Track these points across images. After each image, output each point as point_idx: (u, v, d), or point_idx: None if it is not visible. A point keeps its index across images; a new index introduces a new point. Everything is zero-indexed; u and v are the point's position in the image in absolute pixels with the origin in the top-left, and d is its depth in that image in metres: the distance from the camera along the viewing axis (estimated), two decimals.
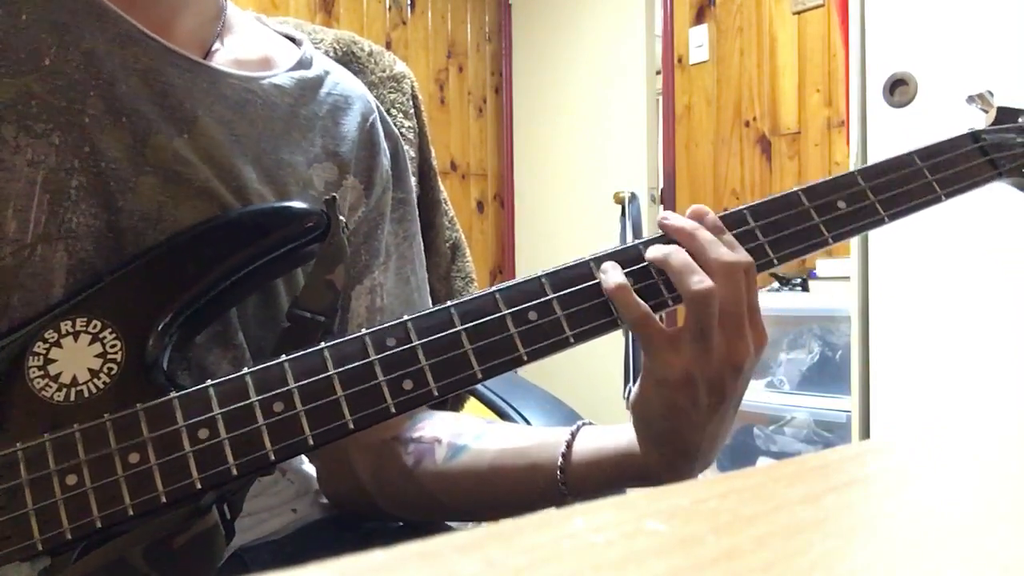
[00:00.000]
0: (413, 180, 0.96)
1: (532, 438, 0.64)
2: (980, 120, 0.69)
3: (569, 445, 0.61)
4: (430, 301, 0.78)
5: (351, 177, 0.69)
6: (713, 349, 0.53)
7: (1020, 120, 0.68)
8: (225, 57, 0.66)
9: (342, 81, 0.73)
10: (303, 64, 0.70)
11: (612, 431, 0.62)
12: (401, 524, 0.75)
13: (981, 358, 1.59)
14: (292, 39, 0.74)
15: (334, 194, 0.61)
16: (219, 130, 0.61)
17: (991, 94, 0.69)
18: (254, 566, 0.63)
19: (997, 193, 0.70)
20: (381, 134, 0.74)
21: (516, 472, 0.63)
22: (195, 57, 0.63)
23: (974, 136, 0.66)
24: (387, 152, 0.74)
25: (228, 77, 0.64)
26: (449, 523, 0.70)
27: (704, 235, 0.55)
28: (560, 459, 0.61)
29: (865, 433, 1.75)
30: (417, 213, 0.79)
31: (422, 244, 0.79)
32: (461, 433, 0.66)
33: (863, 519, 0.25)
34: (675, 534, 0.22)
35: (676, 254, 0.55)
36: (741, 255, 0.55)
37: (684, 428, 0.55)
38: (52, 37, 0.57)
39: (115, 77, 0.58)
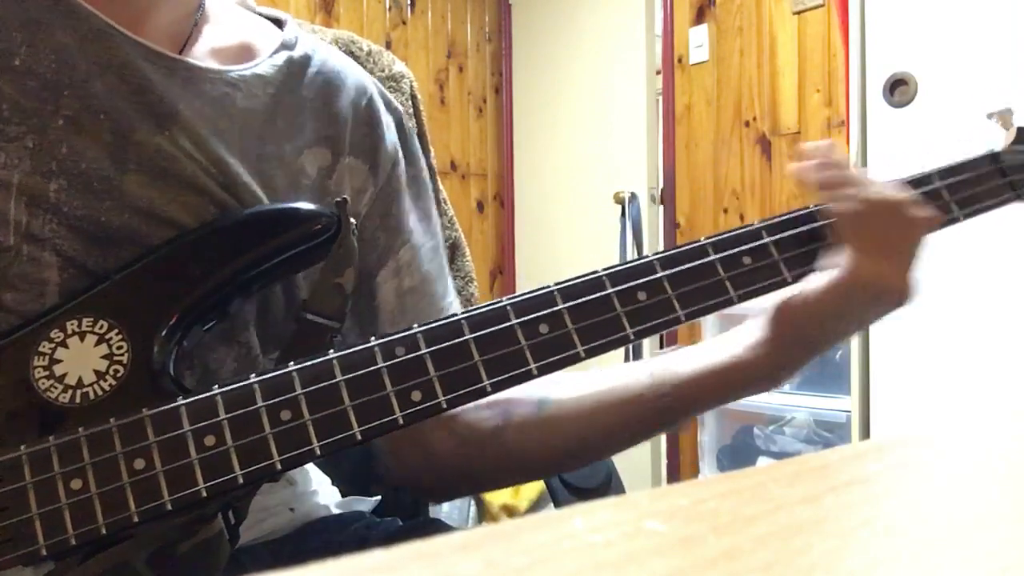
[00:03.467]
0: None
1: (618, 374, 0.64)
2: (999, 137, 0.69)
3: (665, 371, 0.62)
4: (450, 278, 0.75)
5: (348, 157, 0.67)
6: (900, 268, 0.58)
7: None
8: (202, 49, 0.64)
9: (330, 58, 0.70)
10: (287, 45, 0.67)
11: (704, 349, 0.62)
12: (401, 524, 0.75)
13: (981, 358, 1.59)
14: (277, 20, 0.71)
15: (345, 196, 0.60)
16: (201, 125, 0.60)
17: (1011, 112, 0.69)
18: (253, 566, 0.63)
19: None
20: (381, 108, 0.71)
21: (614, 407, 0.63)
22: (170, 53, 0.61)
23: (993, 157, 0.66)
24: (390, 126, 0.72)
25: (206, 72, 0.62)
26: (531, 480, 0.69)
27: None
28: (661, 385, 0.61)
29: (865, 433, 1.75)
30: (431, 190, 0.76)
31: (437, 218, 0.76)
32: (536, 387, 0.63)
33: (863, 519, 0.25)
34: (675, 534, 0.22)
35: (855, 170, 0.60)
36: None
37: (835, 336, 0.60)
38: (23, 36, 0.56)
39: (89, 75, 0.57)
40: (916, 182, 0.62)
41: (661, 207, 2.80)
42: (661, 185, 2.81)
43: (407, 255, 0.70)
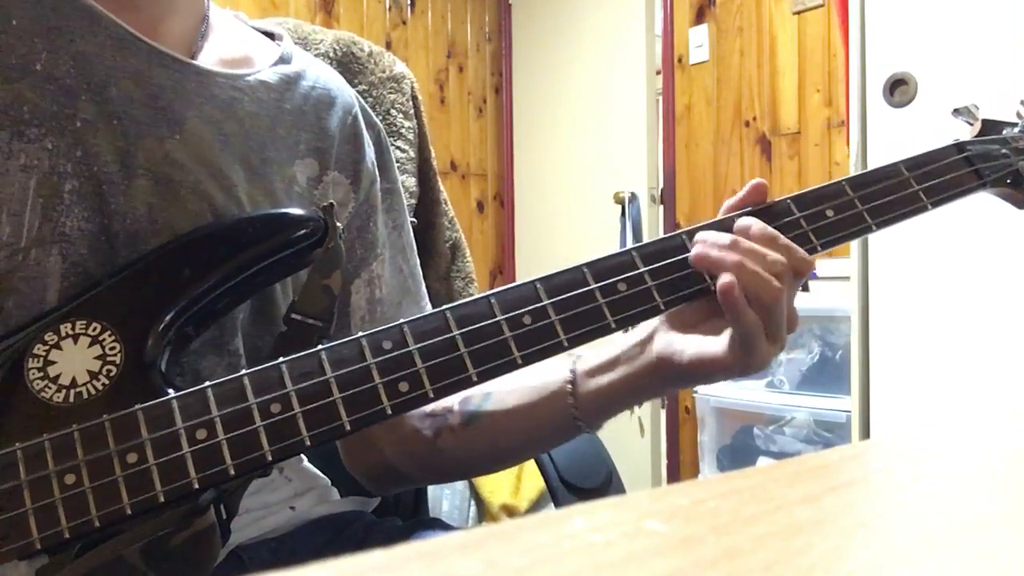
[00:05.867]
0: (411, 176, 0.97)
1: (537, 388, 0.67)
2: (966, 132, 0.70)
3: (573, 383, 0.64)
4: (424, 287, 0.79)
5: (333, 172, 0.70)
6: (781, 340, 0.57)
7: (1004, 132, 0.70)
8: (210, 57, 0.66)
9: (322, 74, 0.73)
10: (284, 59, 0.71)
11: (606, 363, 0.64)
12: (401, 524, 0.75)
13: (981, 358, 1.59)
14: (271, 35, 0.75)
15: (332, 201, 0.62)
16: (208, 130, 0.61)
17: (976, 107, 0.71)
18: (252, 564, 0.63)
19: (995, 197, 0.70)
20: (363, 125, 0.75)
21: (531, 419, 0.66)
22: (184, 58, 0.63)
23: (959, 147, 0.67)
24: (371, 143, 0.75)
25: (216, 76, 0.64)
26: (468, 478, 0.76)
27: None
28: (570, 399, 0.63)
29: (865, 433, 1.75)
30: (404, 201, 0.80)
31: (411, 231, 0.80)
32: (469, 397, 0.68)
33: (863, 519, 0.25)
34: (675, 534, 0.22)
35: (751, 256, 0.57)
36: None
37: (685, 384, 0.63)
38: (43, 42, 0.57)
39: (106, 80, 0.58)
40: (884, 174, 0.63)
41: (661, 207, 2.80)
42: (661, 185, 2.81)
43: (379, 268, 0.73)
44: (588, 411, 0.63)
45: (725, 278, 0.55)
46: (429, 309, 0.76)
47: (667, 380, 0.61)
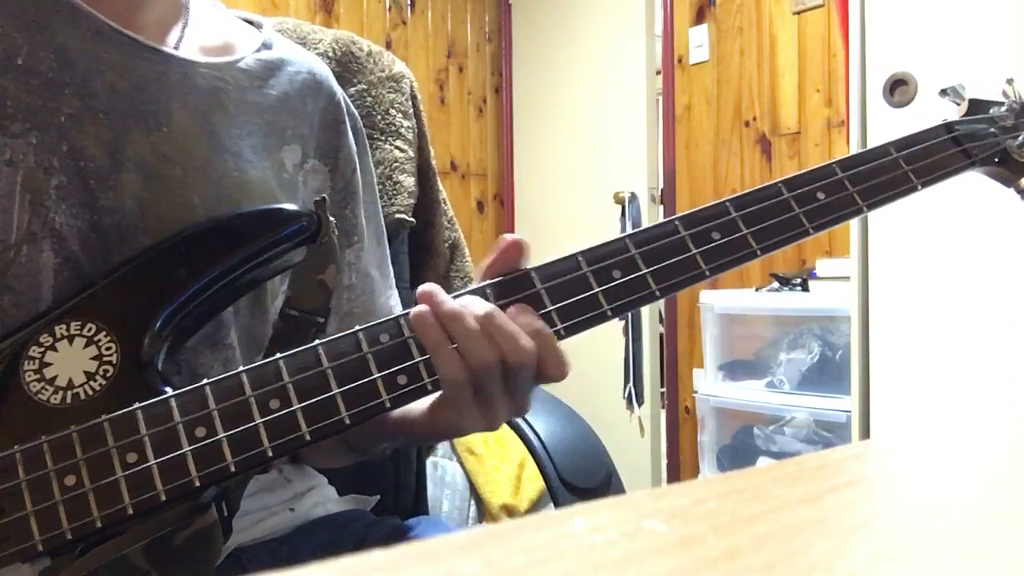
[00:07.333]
0: (411, 176, 0.96)
1: None
2: (954, 112, 0.71)
3: None
4: (392, 274, 0.79)
5: (312, 160, 0.70)
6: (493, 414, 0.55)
7: (991, 111, 0.69)
8: (191, 45, 0.66)
9: (305, 61, 0.73)
10: (266, 45, 0.71)
11: None
12: (400, 523, 0.75)
13: (981, 358, 1.59)
14: (251, 22, 0.75)
15: (324, 195, 0.62)
16: (194, 122, 0.61)
17: (963, 87, 0.71)
18: (251, 566, 0.63)
19: (996, 193, 0.70)
20: (345, 113, 0.75)
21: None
22: (166, 49, 0.63)
23: (947, 127, 0.67)
24: (349, 132, 0.75)
25: (199, 66, 0.64)
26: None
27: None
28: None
29: (865, 433, 1.75)
30: (376, 187, 0.80)
31: (382, 217, 0.80)
32: None
33: (863, 519, 0.25)
34: (675, 534, 0.22)
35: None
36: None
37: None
38: (24, 36, 0.57)
39: (89, 74, 0.58)
40: (873, 155, 0.63)
41: (661, 207, 2.80)
42: (661, 185, 2.81)
43: (352, 255, 0.73)
44: (358, 439, 0.65)
45: (421, 308, 0.52)
46: (396, 296, 0.77)
47: (398, 433, 0.61)
